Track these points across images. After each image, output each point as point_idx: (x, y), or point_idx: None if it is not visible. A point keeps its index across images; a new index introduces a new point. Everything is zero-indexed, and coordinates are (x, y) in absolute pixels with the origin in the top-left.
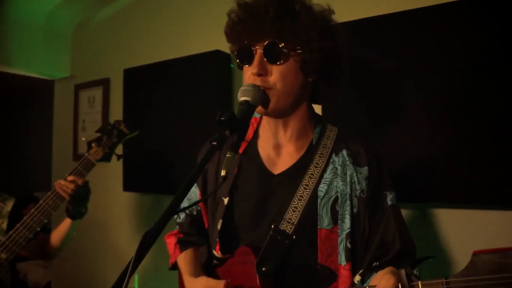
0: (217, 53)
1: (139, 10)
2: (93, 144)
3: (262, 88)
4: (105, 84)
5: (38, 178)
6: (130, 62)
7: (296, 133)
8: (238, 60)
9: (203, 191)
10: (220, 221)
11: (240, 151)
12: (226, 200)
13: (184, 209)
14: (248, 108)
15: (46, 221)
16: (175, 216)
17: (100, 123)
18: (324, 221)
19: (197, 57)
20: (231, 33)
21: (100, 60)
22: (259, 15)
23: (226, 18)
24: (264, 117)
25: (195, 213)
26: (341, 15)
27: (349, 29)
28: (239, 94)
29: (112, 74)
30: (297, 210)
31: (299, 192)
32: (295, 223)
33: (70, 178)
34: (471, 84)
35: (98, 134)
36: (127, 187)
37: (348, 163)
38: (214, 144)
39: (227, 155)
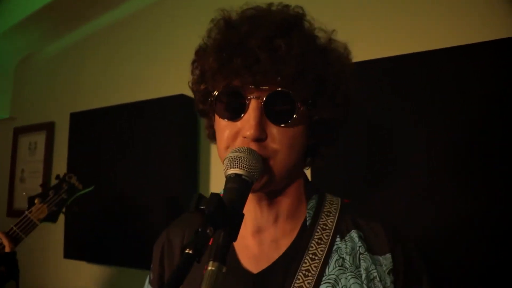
0: (181, 97)
1: (92, 47)
2: (36, 200)
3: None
4: (49, 128)
5: None
6: (78, 105)
7: (286, 211)
8: (220, 114)
9: None
10: None
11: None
12: None
13: None
14: (241, 187)
15: None
16: None
17: (41, 173)
18: None
19: (158, 101)
20: (213, 64)
21: (45, 101)
22: (255, 44)
23: (191, 58)
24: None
25: None
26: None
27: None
28: (225, 164)
29: (57, 118)
30: None
31: None
32: None
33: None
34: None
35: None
36: (68, 253)
37: (362, 250)
38: (187, 252)
39: (209, 268)
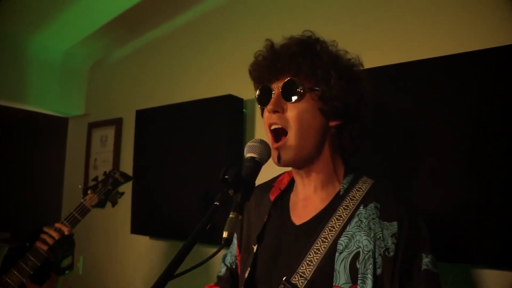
0: (230, 97)
1: (154, 52)
2: (89, 191)
3: (279, 127)
4: (117, 123)
5: (48, 212)
6: (143, 103)
7: (321, 184)
8: (258, 102)
9: (240, 243)
10: (248, 269)
11: (272, 198)
12: (255, 248)
13: (181, 274)
14: (254, 165)
15: (39, 265)
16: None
17: (111, 162)
18: (341, 279)
19: (210, 100)
20: (254, 71)
21: (114, 99)
22: (280, 53)
23: (239, 63)
24: (292, 169)
25: (234, 266)
26: (367, 62)
27: (375, 75)
28: (245, 150)
29: (125, 114)
30: (312, 264)
31: (316, 245)
32: (308, 278)
33: (58, 225)
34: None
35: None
36: (134, 229)
37: (374, 216)
38: (216, 204)
39: (230, 216)
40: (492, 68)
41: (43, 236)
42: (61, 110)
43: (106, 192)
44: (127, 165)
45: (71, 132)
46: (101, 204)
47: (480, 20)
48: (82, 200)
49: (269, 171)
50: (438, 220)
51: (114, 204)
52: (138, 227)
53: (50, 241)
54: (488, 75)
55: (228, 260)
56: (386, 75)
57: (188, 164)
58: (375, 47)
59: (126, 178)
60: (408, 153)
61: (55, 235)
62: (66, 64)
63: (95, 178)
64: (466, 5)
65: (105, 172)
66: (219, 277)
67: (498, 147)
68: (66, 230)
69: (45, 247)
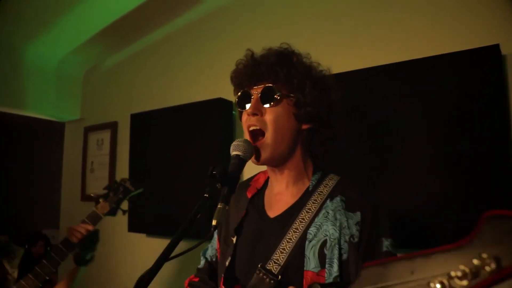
0: (220, 100)
1: (146, 58)
2: (100, 199)
3: (257, 128)
4: (113, 127)
5: (46, 216)
6: (137, 107)
7: (292, 180)
8: (238, 106)
9: (220, 237)
10: (229, 258)
11: (249, 196)
12: (234, 240)
13: (176, 256)
14: (239, 162)
15: (54, 270)
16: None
17: (107, 165)
18: (311, 263)
19: (201, 104)
20: (235, 77)
21: (109, 104)
22: (260, 62)
23: (229, 68)
24: (267, 167)
25: (214, 259)
26: (337, 66)
27: (344, 79)
28: (231, 149)
29: (120, 118)
30: (284, 251)
31: (289, 235)
32: (282, 264)
33: (83, 224)
34: (461, 133)
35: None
36: (132, 227)
37: (340, 208)
38: (206, 196)
39: (218, 206)
40: (452, 71)
41: (72, 231)
42: (57, 115)
43: (117, 201)
44: (123, 167)
45: (68, 136)
46: (112, 212)
47: (480, 19)
48: (93, 208)
49: (250, 167)
50: (408, 212)
51: (124, 212)
52: (135, 226)
53: (79, 235)
54: (447, 78)
55: (209, 253)
56: (357, 78)
57: (182, 164)
58: (372, 46)
59: (136, 187)
60: (382, 152)
61: (83, 230)
62: (61, 71)
63: (107, 187)
64: (466, 4)
65: (116, 181)
66: (198, 269)
67: (463, 145)
68: (90, 227)
69: (76, 239)
